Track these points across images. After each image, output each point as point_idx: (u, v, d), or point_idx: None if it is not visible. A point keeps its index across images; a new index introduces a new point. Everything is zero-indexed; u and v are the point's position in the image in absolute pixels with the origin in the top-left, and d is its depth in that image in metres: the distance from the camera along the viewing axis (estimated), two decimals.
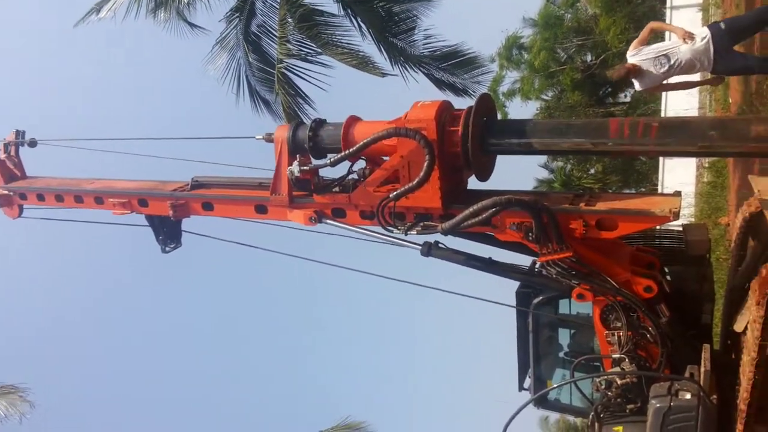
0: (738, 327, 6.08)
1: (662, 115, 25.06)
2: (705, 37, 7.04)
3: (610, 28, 32.03)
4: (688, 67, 7.23)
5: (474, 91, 12.93)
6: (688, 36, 7.07)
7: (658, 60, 7.22)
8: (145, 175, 8.70)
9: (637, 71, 7.38)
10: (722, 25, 7.16)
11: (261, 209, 7.42)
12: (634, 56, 7.38)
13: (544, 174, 37.59)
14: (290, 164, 6.85)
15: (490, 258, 6.82)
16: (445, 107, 6.23)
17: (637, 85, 7.57)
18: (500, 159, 6.81)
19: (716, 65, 7.15)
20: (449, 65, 13.00)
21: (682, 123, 6.08)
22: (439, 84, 13.08)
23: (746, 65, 7.64)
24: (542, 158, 37.35)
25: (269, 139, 7.13)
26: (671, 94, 25.23)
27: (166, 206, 7.86)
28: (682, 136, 5.70)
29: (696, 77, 8.16)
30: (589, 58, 36.11)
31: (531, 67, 35.51)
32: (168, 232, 8.48)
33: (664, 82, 7.56)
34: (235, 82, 13.06)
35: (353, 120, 6.68)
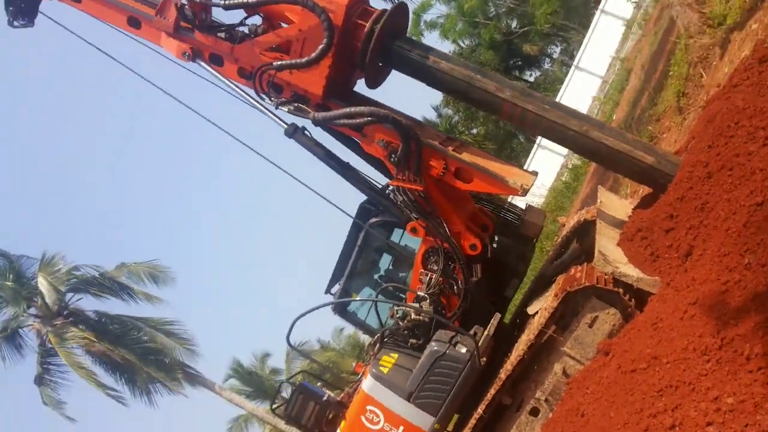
0: (531, 310, 6.61)
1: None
2: None
3: (543, 5, 32.37)
4: None
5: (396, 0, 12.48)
6: None
7: None
8: None
9: None
10: None
11: (134, 23, 6.72)
12: None
13: (432, 116, 38.11)
14: None
15: (348, 163, 6.78)
16: None
17: None
18: (398, 88, 6.63)
19: None
20: None
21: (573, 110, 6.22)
22: None
23: None
24: (436, 99, 37.71)
25: None
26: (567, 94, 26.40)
27: None
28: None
29: None
30: (514, 24, 36.47)
31: (460, 9, 35.17)
32: (22, 6, 7.45)
33: None
34: None
35: None
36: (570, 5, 33.89)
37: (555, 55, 41.06)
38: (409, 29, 6.69)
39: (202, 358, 22.10)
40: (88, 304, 21.73)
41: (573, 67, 29.89)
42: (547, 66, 40.78)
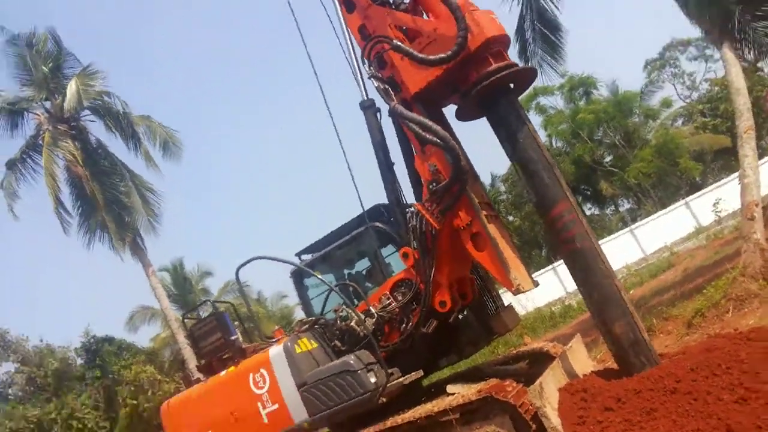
0: (450, 389, 6.59)
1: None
2: None
3: (642, 162, 32.47)
4: None
5: (531, 64, 12.63)
6: None
7: None
8: None
9: None
10: None
11: None
12: None
13: (486, 180, 38.31)
14: None
15: (393, 164, 6.87)
16: (503, 41, 6.03)
17: None
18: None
19: None
20: (541, 25, 12.46)
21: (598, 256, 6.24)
22: (520, 31, 12.60)
23: None
24: (501, 169, 37.74)
25: None
26: (608, 245, 26.33)
27: None
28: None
29: None
30: (608, 158, 36.61)
31: (573, 114, 35.43)
32: None
33: None
34: None
35: None
36: (665, 179, 34.02)
37: (621, 208, 41.05)
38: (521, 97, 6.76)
39: (155, 238, 22.09)
40: (95, 129, 21.97)
41: (628, 229, 29.96)
42: (608, 211, 40.85)
